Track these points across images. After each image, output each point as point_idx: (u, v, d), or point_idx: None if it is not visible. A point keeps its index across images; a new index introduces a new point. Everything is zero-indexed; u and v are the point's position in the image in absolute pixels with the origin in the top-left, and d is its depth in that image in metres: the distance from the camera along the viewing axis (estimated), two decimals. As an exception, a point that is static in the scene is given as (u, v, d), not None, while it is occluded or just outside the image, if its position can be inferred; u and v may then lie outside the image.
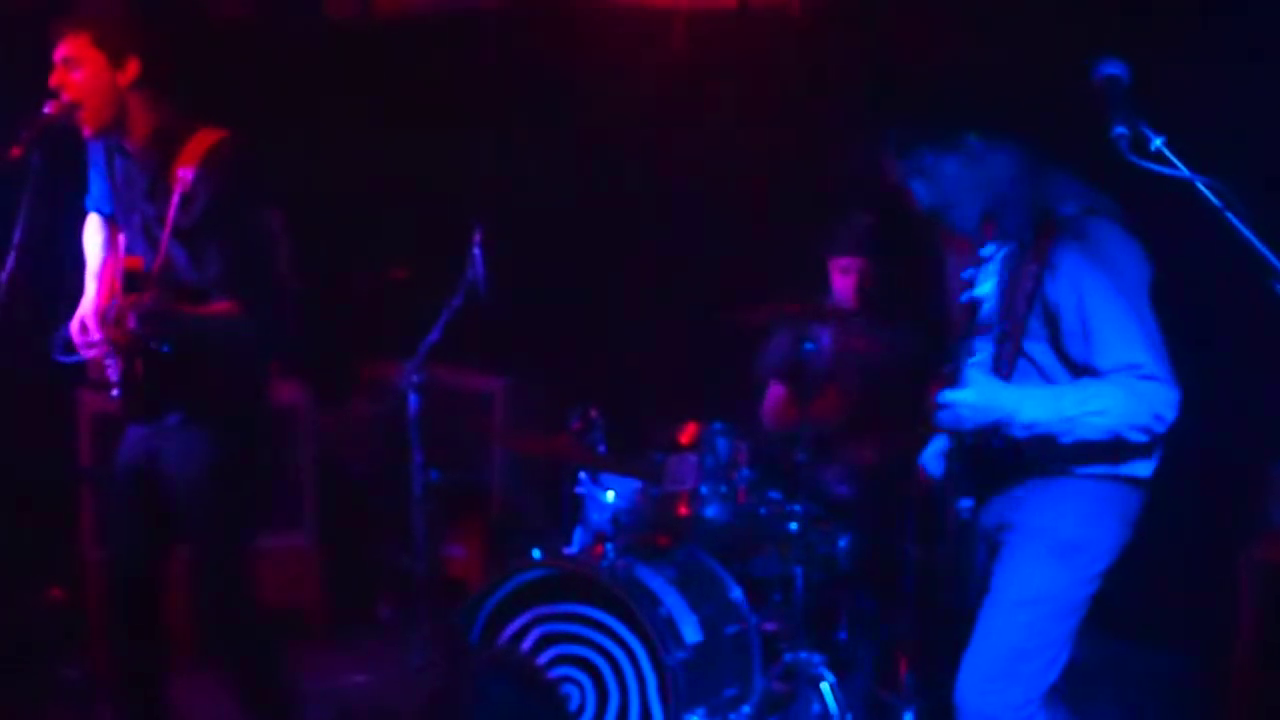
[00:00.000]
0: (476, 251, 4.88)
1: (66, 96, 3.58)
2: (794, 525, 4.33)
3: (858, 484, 4.79)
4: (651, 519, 4.48)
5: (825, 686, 4.25)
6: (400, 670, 5.12)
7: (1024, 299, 2.88)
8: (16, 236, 3.53)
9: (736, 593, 4.39)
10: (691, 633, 4.10)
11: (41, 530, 5.20)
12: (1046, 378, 3.05)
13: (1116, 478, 3.09)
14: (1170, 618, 4.47)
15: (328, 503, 5.67)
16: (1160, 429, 2.96)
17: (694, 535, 4.48)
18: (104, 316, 3.63)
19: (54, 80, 3.58)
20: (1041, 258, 2.88)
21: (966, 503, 3.14)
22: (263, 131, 3.87)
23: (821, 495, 4.60)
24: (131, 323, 3.49)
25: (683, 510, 4.43)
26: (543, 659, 4.14)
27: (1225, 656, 4.20)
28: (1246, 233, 2.34)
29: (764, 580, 4.53)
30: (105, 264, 3.89)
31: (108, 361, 3.72)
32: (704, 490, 4.42)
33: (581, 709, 4.09)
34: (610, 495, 4.46)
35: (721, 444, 4.44)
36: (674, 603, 4.14)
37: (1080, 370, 3.00)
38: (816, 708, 4.26)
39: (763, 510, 4.46)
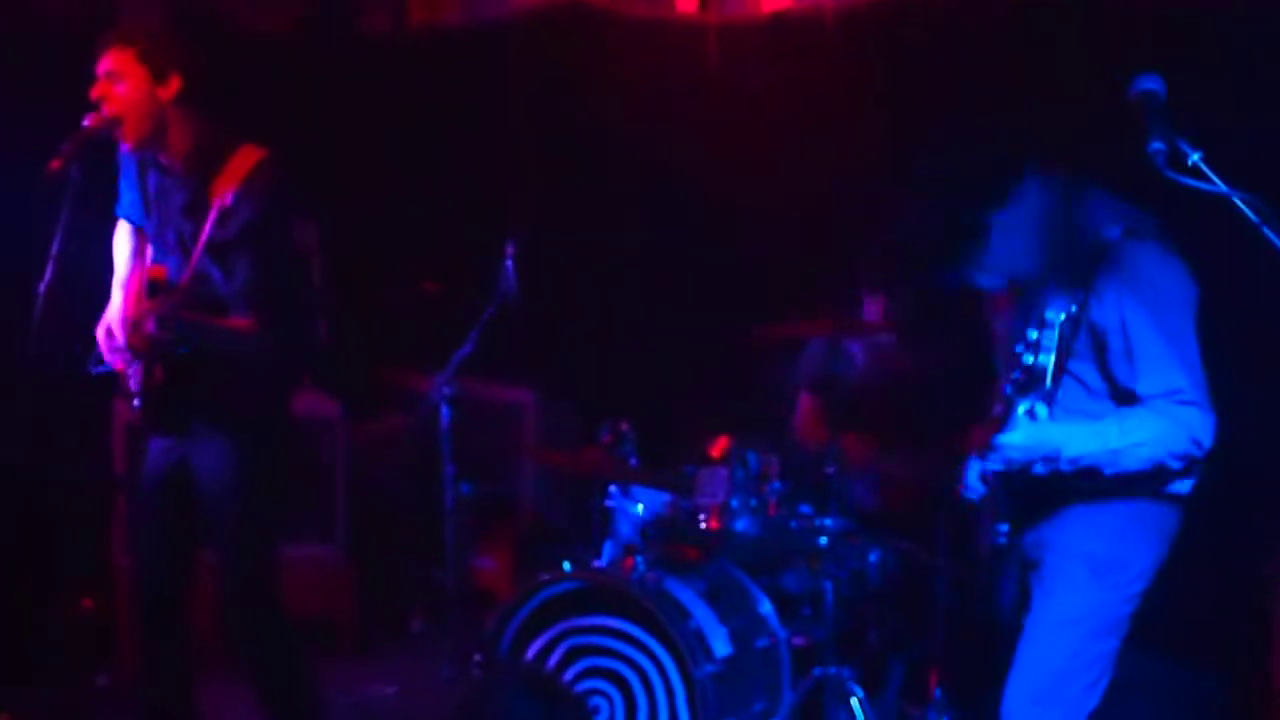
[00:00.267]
0: (509, 264, 4.90)
1: (107, 110, 3.61)
2: (824, 540, 4.32)
3: (888, 498, 4.78)
4: (681, 532, 4.48)
5: (854, 701, 4.24)
6: (429, 682, 5.13)
7: (1069, 324, 2.88)
8: (55, 247, 3.56)
9: (766, 606, 4.39)
10: (721, 646, 4.10)
11: (75, 539, 5.23)
12: (1092, 396, 3.05)
13: (1154, 497, 3.08)
14: (1204, 633, 4.44)
15: (359, 514, 5.69)
16: (1198, 454, 2.97)
17: (724, 548, 4.48)
18: (128, 323, 3.66)
19: (96, 93, 3.61)
20: (1085, 282, 2.89)
21: (1003, 527, 3.13)
22: (298, 146, 3.91)
23: (852, 508, 4.59)
24: (150, 326, 3.52)
25: (713, 523, 4.42)
26: (572, 671, 4.14)
27: (1260, 673, 4.17)
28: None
29: (794, 594, 4.52)
30: (133, 273, 3.91)
31: (130, 370, 3.75)
32: (734, 504, 4.42)
33: (610, 721, 4.10)
34: (640, 508, 4.46)
35: (752, 457, 4.44)
36: (704, 616, 4.13)
37: (1124, 392, 3.00)
38: (845, 722, 4.25)
39: (793, 524, 4.46)
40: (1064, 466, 2.97)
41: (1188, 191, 2.43)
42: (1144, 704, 4.13)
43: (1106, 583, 3.10)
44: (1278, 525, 4.31)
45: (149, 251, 3.86)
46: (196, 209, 3.68)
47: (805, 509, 4.48)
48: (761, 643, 4.28)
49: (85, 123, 3.59)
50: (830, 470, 4.34)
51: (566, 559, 4.28)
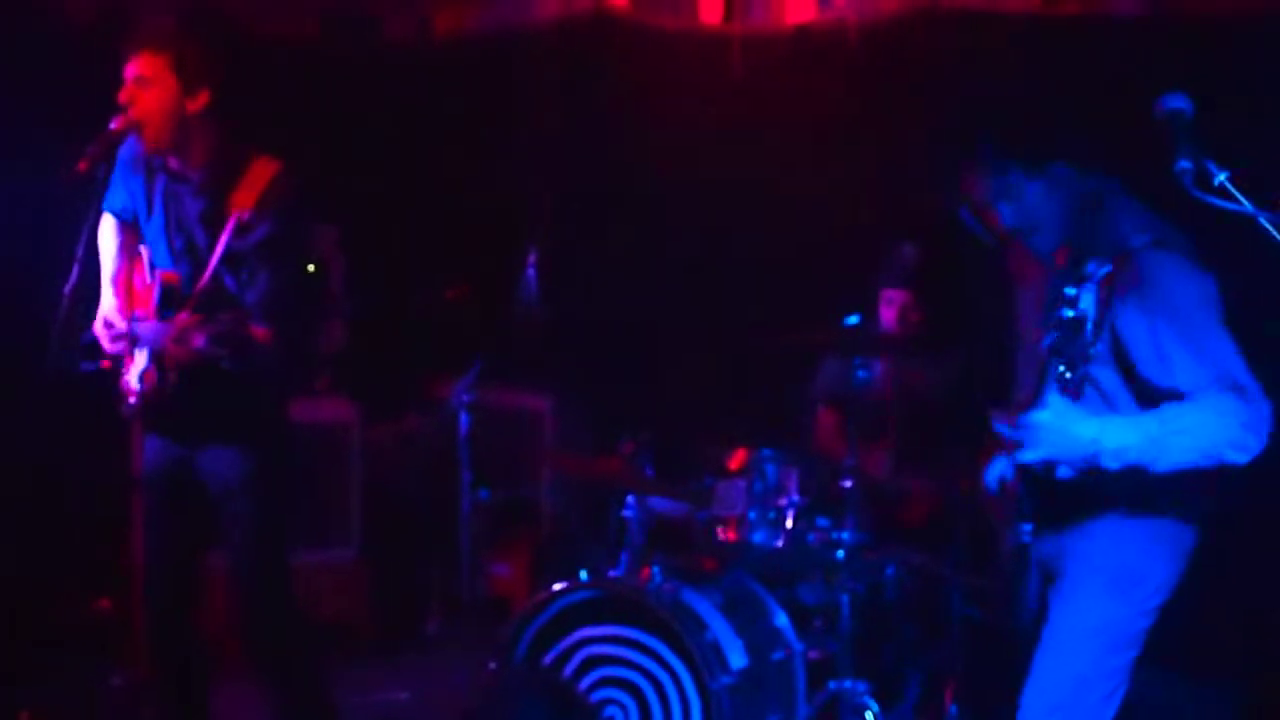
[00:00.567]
0: (530, 272, 4.91)
1: (133, 114, 3.62)
2: (841, 553, 4.32)
3: (906, 511, 4.78)
4: (698, 543, 4.48)
5: (869, 716, 4.23)
6: (444, 687, 5.13)
7: (1093, 325, 2.84)
8: (80, 249, 3.57)
9: (782, 619, 4.38)
10: (737, 658, 4.09)
11: (91, 538, 5.25)
12: (1110, 403, 3.03)
13: (1175, 514, 3.07)
14: (1219, 650, 4.43)
15: (375, 519, 5.70)
16: (1255, 441, 2.82)
17: (741, 560, 4.48)
18: (177, 333, 3.63)
19: (123, 96, 3.62)
20: (1109, 286, 2.84)
21: (1027, 527, 3.11)
22: (323, 152, 3.93)
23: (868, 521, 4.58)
24: (199, 342, 3.50)
25: (730, 535, 4.42)
26: (587, 681, 4.14)
27: (1270, 687, 4.16)
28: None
29: (810, 607, 4.52)
30: (121, 269, 3.90)
31: (128, 366, 3.76)
32: (752, 516, 4.41)
33: (626, 732, 4.10)
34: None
35: (770, 470, 4.43)
36: (720, 627, 4.13)
37: (1164, 394, 2.93)
38: (860, 737, 4.24)
39: (810, 537, 4.44)
40: (1109, 462, 2.82)
41: (1214, 211, 2.42)
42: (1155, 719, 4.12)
43: (1126, 596, 3.09)
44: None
45: (145, 251, 3.86)
46: (213, 219, 3.70)
47: (823, 522, 4.48)
48: (777, 655, 4.28)
49: (112, 125, 3.60)
50: (848, 483, 4.34)
51: (583, 567, 4.27)
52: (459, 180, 6.24)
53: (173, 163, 3.75)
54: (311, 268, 5.67)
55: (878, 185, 5.31)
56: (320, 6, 6.45)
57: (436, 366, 5.24)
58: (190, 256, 3.75)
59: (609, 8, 6.16)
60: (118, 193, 3.87)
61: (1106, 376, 3.01)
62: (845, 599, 4.29)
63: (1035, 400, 2.80)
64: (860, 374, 4.46)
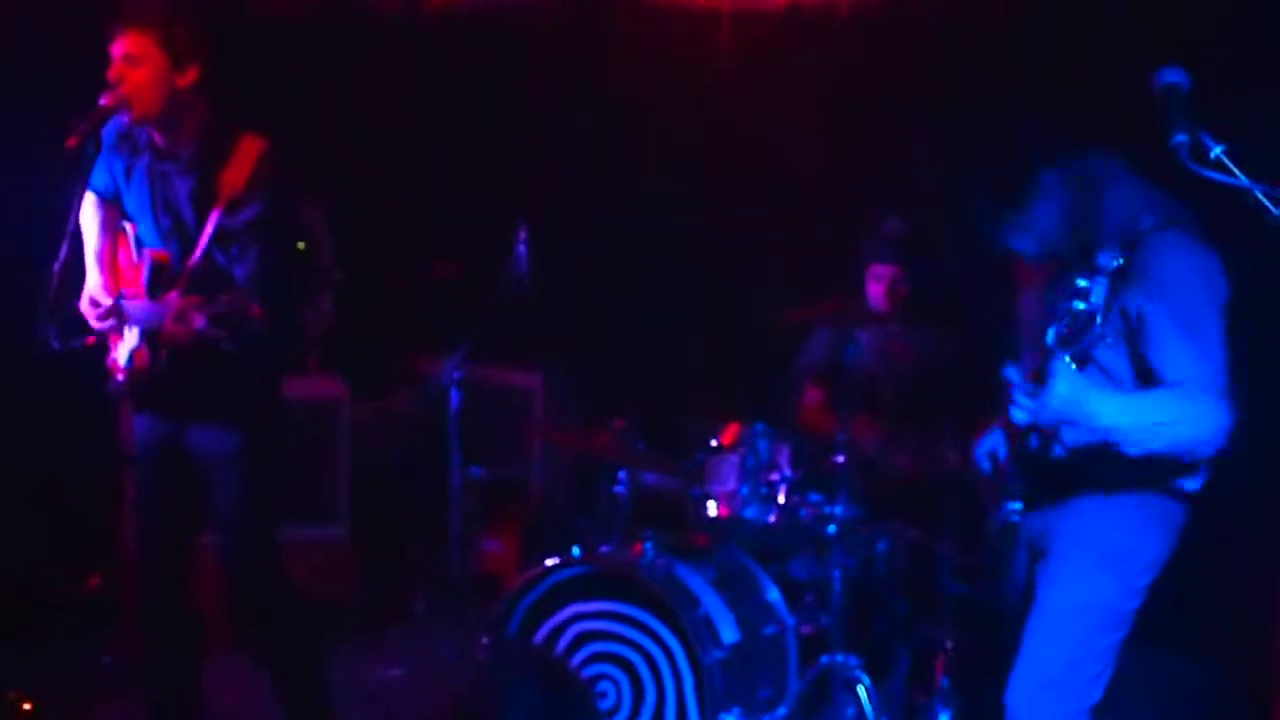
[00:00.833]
0: (521, 249, 4.90)
1: (123, 91, 3.58)
2: (832, 528, 4.33)
3: (895, 486, 4.79)
4: (690, 518, 4.49)
5: (861, 689, 4.25)
6: (434, 665, 5.13)
7: (1118, 276, 2.82)
8: (70, 225, 3.55)
9: (774, 594, 4.40)
10: (729, 633, 4.11)
11: (82, 517, 5.24)
12: (1110, 377, 3.03)
13: (1163, 492, 3.07)
14: (1206, 627, 4.45)
15: (364, 496, 5.69)
16: (1219, 446, 2.90)
17: (733, 535, 4.49)
18: (176, 313, 3.61)
19: (112, 74, 3.59)
20: (1121, 278, 2.84)
21: (1015, 504, 3.12)
22: (311, 127, 3.91)
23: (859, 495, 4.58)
24: (199, 323, 3.48)
25: (723, 510, 4.43)
26: (579, 656, 4.15)
27: (1261, 667, 4.17)
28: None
29: (802, 582, 4.53)
30: (105, 247, 3.87)
31: (112, 340, 3.75)
32: (744, 491, 4.42)
33: (617, 707, 4.10)
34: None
35: (762, 445, 4.44)
36: (712, 602, 4.14)
37: (1160, 376, 2.95)
38: (851, 710, 4.26)
39: (802, 512, 4.46)
40: (1092, 436, 2.88)
41: (1210, 185, 2.42)
42: (1144, 698, 4.14)
43: (1115, 574, 3.10)
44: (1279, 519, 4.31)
45: (130, 228, 3.83)
46: (203, 197, 3.68)
47: (815, 497, 4.49)
48: (769, 630, 4.29)
49: (102, 101, 3.57)
50: (839, 458, 4.34)
51: (575, 544, 4.28)
52: (449, 154, 6.22)
53: (160, 140, 3.73)
54: (301, 246, 5.64)
55: (868, 162, 5.30)
56: (308, -20, 6.42)
57: (426, 344, 5.22)
58: (179, 235, 3.74)
59: (599, -19, 6.15)
60: (100, 171, 3.83)
61: (1109, 357, 3.01)
62: (837, 574, 4.30)
63: (1043, 375, 2.79)
64: (849, 349, 4.47)
